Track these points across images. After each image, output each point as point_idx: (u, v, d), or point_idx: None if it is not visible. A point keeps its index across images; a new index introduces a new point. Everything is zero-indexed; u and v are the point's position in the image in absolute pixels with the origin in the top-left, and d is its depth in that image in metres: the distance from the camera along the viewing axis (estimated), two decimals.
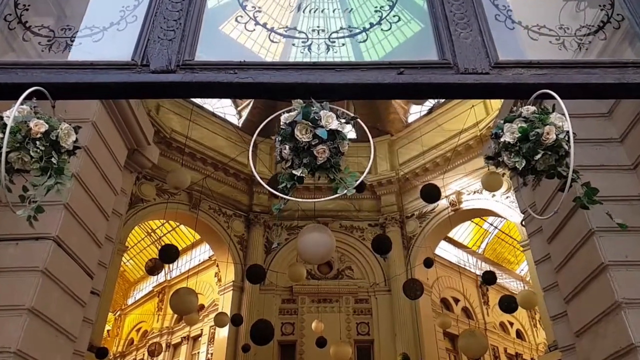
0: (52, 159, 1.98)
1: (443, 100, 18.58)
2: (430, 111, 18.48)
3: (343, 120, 2.07)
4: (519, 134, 2.05)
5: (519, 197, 5.37)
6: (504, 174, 14.15)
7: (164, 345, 20.40)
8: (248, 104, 20.17)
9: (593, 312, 3.89)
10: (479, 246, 24.11)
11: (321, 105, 2.08)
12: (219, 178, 17.52)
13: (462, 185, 16.35)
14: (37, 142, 1.95)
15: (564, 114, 2.07)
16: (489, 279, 10.11)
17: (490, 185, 9.30)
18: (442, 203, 16.66)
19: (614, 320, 3.67)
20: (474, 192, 16.19)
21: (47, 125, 1.98)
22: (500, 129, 2.15)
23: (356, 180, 2.05)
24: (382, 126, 19.17)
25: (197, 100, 18.75)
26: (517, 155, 2.06)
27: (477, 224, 22.95)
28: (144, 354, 21.55)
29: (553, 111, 2.11)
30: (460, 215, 16.76)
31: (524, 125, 2.05)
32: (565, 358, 4.54)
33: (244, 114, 20.23)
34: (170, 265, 23.94)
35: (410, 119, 19.43)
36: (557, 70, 2.25)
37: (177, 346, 20.63)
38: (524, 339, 22.90)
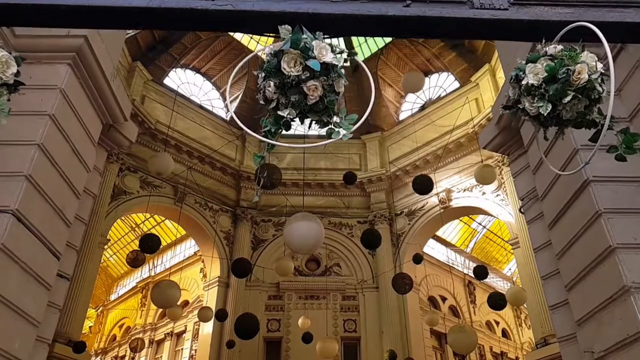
0: None
1: (436, 97, 18.46)
2: (423, 108, 18.33)
3: (338, 54, 1.74)
4: (546, 74, 1.74)
5: (518, 182, 5.11)
6: (497, 167, 13.99)
7: (146, 342, 19.90)
8: (237, 97, 19.78)
9: (598, 298, 3.62)
10: (467, 245, 24.05)
11: (314, 35, 1.74)
12: (206, 172, 17.13)
13: (453, 182, 16.20)
14: None
15: (595, 56, 1.77)
16: (480, 273, 9.87)
17: (483, 177, 9.05)
18: (432, 200, 16.49)
19: (621, 306, 3.40)
20: (464, 190, 16.05)
21: None
22: (521, 71, 1.84)
23: (354, 123, 1.72)
24: (373, 120, 18.93)
25: (184, 92, 18.31)
26: (541, 100, 1.76)
27: (465, 223, 22.87)
28: (126, 351, 21.03)
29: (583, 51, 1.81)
30: (450, 213, 16.60)
31: (552, 63, 1.75)
32: (564, 349, 4.26)
33: (232, 107, 19.82)
34: (155, 261, 23.48)
35: (402, 116, 19.25)
36: (586, 8, 1.96)
37: (160, 342, 20.19)
38: (509, 338, 22.94)
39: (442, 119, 16.70)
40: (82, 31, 4.60)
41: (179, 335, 19.28)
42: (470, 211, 16.98)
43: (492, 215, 16.51)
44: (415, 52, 18.35)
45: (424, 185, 8.01)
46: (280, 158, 17.55)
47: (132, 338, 19.54)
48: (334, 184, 17.62)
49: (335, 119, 1.75)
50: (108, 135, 5.42)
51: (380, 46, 19.22)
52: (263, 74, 1.78)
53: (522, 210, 4.99)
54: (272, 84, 1.75)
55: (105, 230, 14.03)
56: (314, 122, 1.84)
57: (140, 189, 15.45)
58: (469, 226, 23.12)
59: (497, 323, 22.66)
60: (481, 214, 17.61)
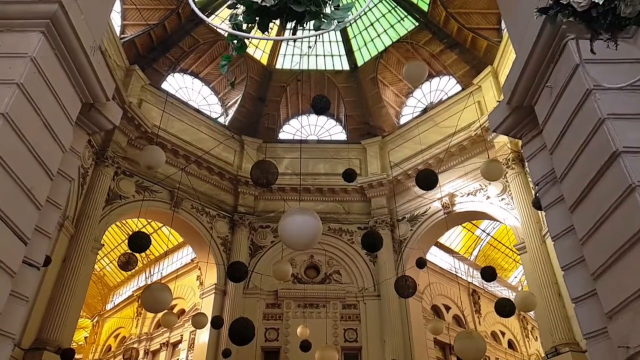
0: None
1: (437, 100, 18.11)
2: (424, 111, 17.99)
3: None
4: None
5: (532, 166, 4.68)
6: (504, 163, 13.49)
7: (141, 352, 19.36)
8: (235, 102, 19.50)
9: (634, 285, 3.15)
10: (471, 253, 23.52)
11: None
12: (203, 176, 16.78)
13: (456, 187, 15.76)
14: None
15: None
16: (488, 274, 9.37)
17: (490, 173, 8.60)
18: (435, 205, 16.04)
19: None
20: (468, 194, 15.61)
21: None
22: None
23: (349, 13, 1.29)
24: (374, 122, 18.59)
25: (182, 96, 18.00)
26: None
27: (469, 230, 22.38)
28: None
29: None
30: (454, 218, 16.11)
31: None
32: (592, 346, 3.78)
33: (231, 112, 19.56)
34: (151, 269, 22.98)
35: (402, 120, 18.91)
36: None
37: (155, 353, 19.66)
38: (515, 350, 22.27)
39: (444, 122, 16.34)
40: None
41: (175, 345, 18.75)
42: (474, 216, 16.50)
43: (497, 220, 16.02)
44: (415, 54, 18.06)
45: (427, 180, 7.55)
46: (278, 162, 17.14)
47: (127, 348, 18.99)
48: (333, 189, 17.21)
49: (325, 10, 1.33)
50: (88, 116, 5.02)
51: (380, 49, 18.98)
52: None
53: (537, 195, 4.55)
54: None
55: (99, 235, 13.61)
56: (300, 23, 1.41)
57: (136, 193, 15.08)
58: (473, 233, 22.62)
59: (503, 334, 22.03)
60: (486, 219, 17.11)
